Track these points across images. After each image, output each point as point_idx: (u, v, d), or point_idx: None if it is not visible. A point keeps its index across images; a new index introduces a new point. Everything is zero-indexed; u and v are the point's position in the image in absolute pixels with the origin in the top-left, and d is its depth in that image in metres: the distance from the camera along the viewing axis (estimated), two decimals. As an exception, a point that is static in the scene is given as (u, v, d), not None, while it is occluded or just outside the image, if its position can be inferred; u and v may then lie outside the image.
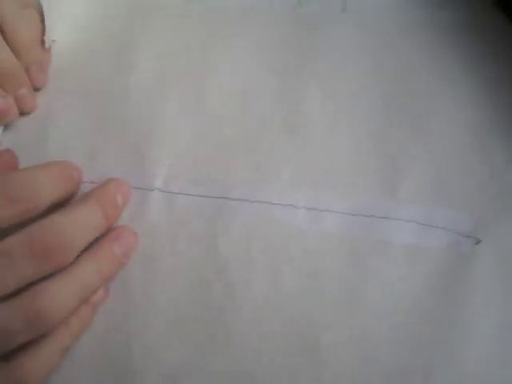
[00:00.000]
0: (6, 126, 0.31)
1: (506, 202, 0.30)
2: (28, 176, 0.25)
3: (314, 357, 0.26)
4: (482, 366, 0.26)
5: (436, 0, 0.37)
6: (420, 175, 0.30)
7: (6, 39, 0.30)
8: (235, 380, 0.26)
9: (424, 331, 0.27)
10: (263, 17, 0.37)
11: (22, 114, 0.31)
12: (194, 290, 0.27)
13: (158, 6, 0.37)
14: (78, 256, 0.25)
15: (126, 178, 0.29)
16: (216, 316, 0.27)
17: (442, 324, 0.27)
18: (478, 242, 0.28)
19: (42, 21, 0.32)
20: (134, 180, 0.29)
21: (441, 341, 0.26)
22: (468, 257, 0.28)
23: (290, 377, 0.26)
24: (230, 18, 0.36)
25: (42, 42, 0.32)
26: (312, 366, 0.26)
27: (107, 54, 0.34)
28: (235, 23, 0.36)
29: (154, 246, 0.28)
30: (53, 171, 0.27)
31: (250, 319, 0.27)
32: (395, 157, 0.31)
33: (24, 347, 0.24)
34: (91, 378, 0.26)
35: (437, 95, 0.33)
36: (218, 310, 0.27)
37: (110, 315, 0.27)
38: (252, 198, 0.29)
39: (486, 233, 0.29)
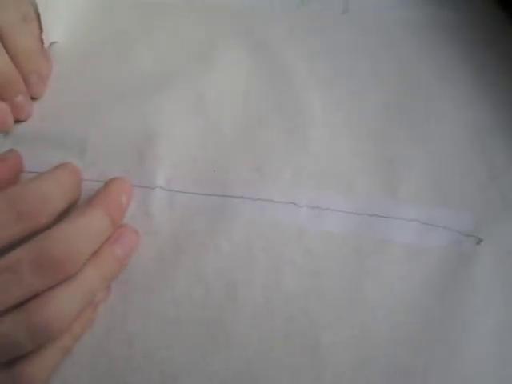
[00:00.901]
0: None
1: (506, 202, 0.30)
2: (37, 188, 0.25)
3: (314, 356, 0.26)
4: (482, 365, 0.26)
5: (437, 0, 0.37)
6: (420, 176, 0.30)
7: (5, 47, 0.30)
8: (236, 380, 0.26)
9: (424, 331, 0.27)
10: (263, 16, 0.37)
11: (18, 121, 0.31)
12: (194, 288, 0.27)
13: (157, 5, 0.37)
14: None
15: (128, 176, 0.29)
16: (217, 315, 0.27)
17: (442, 324, 0.27)
18: (479, 241, 0.28)
19: (39, 20, 0.32)
20: (135, 178, 0.29)
21: (441, 340, 0.26)
22: (469, 256, 0.28)
23: (291, 376, 0.26)
24: (230, 17, 0.36)
25: (42, 50, 0.32)
26: (313, 365, 0.26)
27: (106, 53, 0.34)
28: (235, 23, 0.36)
29: (155, 244, 0.28)
30: (61, 179, 0.26)
31: (250, 319, 0.27)
32: (395, 157, 0.31)
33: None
34: (91, 377, 0.26)
35: (437, 95, 0.33)
36: (218, 309, 0.27)
37: (110, 314, 0.27)
38: (254, 196, 0.29)
39: (487, 232, 0.29)
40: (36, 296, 0.23)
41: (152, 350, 0.26)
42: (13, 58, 0.30)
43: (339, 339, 0.26)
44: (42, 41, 0.32)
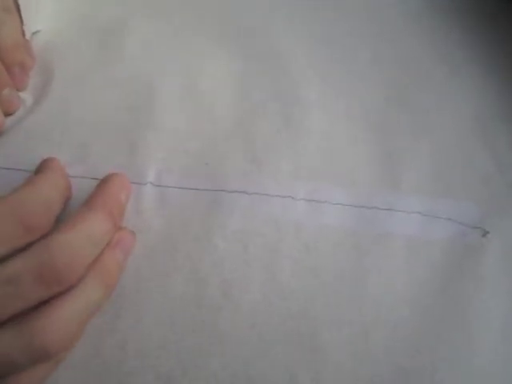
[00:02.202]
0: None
1: (510, 193, 0.29)
2: (39, 196, 0.24)
3: (313, 355, 0.26)
4: (488, 360, 0.26)
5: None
6: (421, 166, 0.30)
7: None
8: (232, 380, 0.25)
9: (427, 327, 0.26)
10: (261, 3, 0.36)
11: (6, 115, 0.30)
12: (189, 287, 0.26)
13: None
14: None
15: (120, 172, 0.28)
16: (212, 314, 0.26)
17: (446, 320, 0.26)
18: (485, 233, 0.28)
19: (19, 11, 0.31)
20: (126, 174, 0.28)
21: (445, 336, 0.26)
22: (475, 248, 0.28)
23: (289, 376, 0.25)
24: (221, 3, 0.36)
25: (25, 42, 0.32)
26: (311, 364, 0.25)
27: (95, 42, 0.33)
28: (232, 9, 0.36)
29: (148, 242, 0.27)
30: (57, 181, 0.26)
31: (247, 317, 0.26)
32: (396, 148, 0.30)
33: None
34: (85, 379, 0.25)
35: (438, 84, 0.33)
36: (214, 307, 0.26)
37: (103, 316, 0.26)
38: (249, 190, 0.28)
39: (492, 224, 0.28)
40: (37, 307, 0.22)
41: (146, 351, 0.25)
42: None
43: (339, 337, 0.26)
44: (23, 32, 0.32)
